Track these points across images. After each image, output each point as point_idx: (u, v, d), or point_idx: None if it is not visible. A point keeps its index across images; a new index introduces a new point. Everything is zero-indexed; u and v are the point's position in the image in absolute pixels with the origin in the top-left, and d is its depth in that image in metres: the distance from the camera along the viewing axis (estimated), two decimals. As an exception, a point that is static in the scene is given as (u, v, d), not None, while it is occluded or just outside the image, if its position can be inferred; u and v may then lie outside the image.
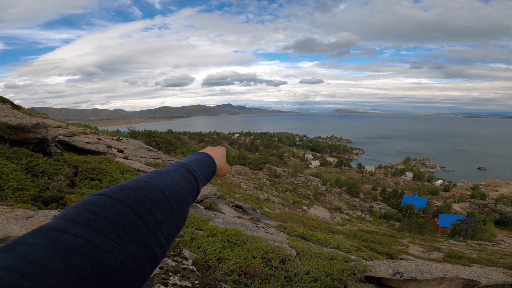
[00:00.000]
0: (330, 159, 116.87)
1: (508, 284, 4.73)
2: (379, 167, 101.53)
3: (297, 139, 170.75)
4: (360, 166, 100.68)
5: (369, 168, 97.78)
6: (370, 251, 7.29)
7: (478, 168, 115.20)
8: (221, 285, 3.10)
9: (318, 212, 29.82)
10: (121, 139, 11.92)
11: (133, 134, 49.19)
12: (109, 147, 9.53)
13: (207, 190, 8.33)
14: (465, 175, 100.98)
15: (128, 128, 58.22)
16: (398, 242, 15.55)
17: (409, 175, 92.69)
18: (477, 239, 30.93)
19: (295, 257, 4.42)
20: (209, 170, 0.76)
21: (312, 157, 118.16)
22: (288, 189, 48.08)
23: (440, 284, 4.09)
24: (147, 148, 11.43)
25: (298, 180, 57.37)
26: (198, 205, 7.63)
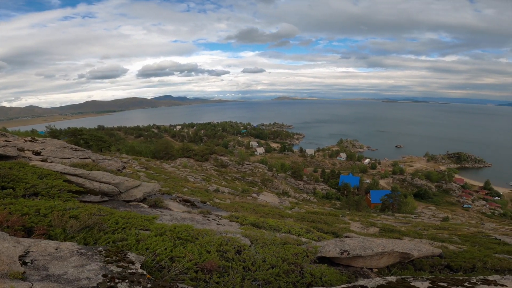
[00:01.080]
0: (274, 145, 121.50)
1: (436, 255, 5.55)
2: (318, 150, 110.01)
3: (241, 127, 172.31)
4: (301, 150, 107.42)
5: (309, 151, 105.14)
6: (318, 231, 7.78)
7: (396, 147, 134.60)
8: (177, 285, 2.85)
9: (268, 198, 30.87)
10: (37, 140, 10.17)
11: (54, 133, 42.99)
12: (21, 149, 8.02)
13: (149, 187, 7.67)
14: (386, 153, 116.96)
15: (46, 126, 50.70)
16: (341, 220, 17.12)
17: (343, 155, 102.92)
18: (402, 212, 36.37)
19: (250, 246, 4.38)
20: None
21: (257, 144, 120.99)
22: (237, 177, 48.50)
23: (381, 258, 4.58)
24: (71, 148, 9.97)
25: (245, 168, 58.26)
26: (141, 204, 6.98)
